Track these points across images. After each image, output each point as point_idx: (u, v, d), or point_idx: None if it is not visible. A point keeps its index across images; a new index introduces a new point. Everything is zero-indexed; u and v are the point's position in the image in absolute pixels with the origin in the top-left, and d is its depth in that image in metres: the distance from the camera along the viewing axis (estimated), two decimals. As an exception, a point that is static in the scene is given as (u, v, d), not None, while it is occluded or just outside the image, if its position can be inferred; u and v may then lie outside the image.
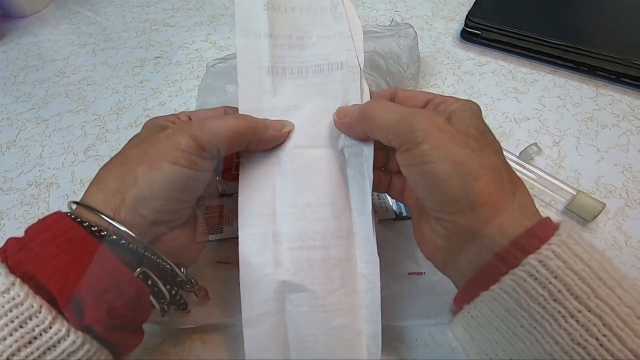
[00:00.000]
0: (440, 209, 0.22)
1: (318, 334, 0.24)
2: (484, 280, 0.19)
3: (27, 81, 0.51)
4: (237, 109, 0.27)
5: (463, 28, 0.51)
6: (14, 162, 0.42)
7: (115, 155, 0.24)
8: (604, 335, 0.16)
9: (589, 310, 0.17)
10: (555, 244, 0.18)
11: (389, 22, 0.47)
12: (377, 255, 0.25)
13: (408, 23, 0.44)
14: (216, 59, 0.43)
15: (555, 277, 0.17)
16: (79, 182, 0.40)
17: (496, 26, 0.47)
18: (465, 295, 0.21)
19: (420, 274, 0.31)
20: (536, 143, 0.38)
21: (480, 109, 0.24)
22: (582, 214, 0.34)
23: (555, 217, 0.20)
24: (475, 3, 0.51)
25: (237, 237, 0.27)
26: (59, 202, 0.39)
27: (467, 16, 0.49)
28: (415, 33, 0.42)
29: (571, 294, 0.17)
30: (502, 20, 0.48)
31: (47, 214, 0.37)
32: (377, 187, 0.28)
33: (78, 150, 0.43)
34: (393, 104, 0.24)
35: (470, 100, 0.25)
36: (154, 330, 0.29)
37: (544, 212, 0.35)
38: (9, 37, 0.58)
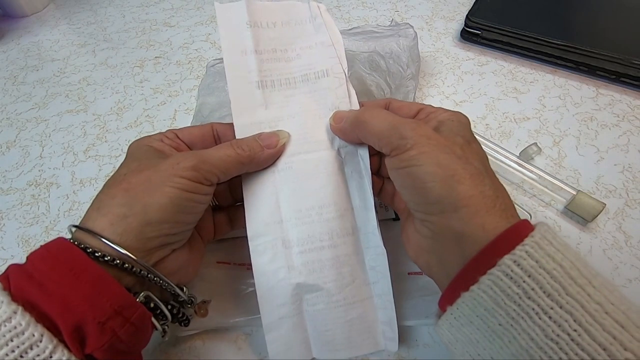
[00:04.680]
0: (424, 210, 0.23)
1: (336, 328, 0.26)
2: (465, 281, 0.20)
3: (27, 81, 0.51)
4: (224, 124, 0.29)
5: (463, 28, 0.51)
6: (14, 162, 0.42)
7: (114, 181, 0.24)
8: (575, 330, 0.17)
9: (561, 307, 0.18)
10: (528, 244, 0.19)
11: (389, 22, 0.47)
12: (383, 248, 0.26)
13: (408, 23, 0.44)
14: (216, 59, 0.43)
15: (529, 276, 0.18)
16: (79, 182, 0.40)
17: (496, 26, 0.47)
18: (448, 297, 0.21)
19: (420, 274, 0.31)
20: (536, 143, 0.38)
21: (468, 120, 0.26)
22: (582, 214, 0.34)
23: (533, 220, 0.21)
24: (475, 3, 0.51)
25: (237, 238, 0.27)
26: (59, 202, 0.39)
27: (467, 16, 0.49)
28: (415, 33, 0.42)
29: (544, 292, 0.18)
30: (502, 20, 0.48)
31: (47, 214, 0.38)
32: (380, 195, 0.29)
33: (78, 150, 0.43)
34: (385, 112, 0.25)
35: (459, 112, 0.26)
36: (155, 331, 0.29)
37: (544, 212, 0.35)
38: (9, 37, 0.58)
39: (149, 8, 0.61)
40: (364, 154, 0.27)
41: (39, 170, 0.41)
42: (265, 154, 0.26)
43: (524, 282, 0.18)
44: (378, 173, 0.30)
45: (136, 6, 0.62)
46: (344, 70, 0.29)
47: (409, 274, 0.31)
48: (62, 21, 0.60)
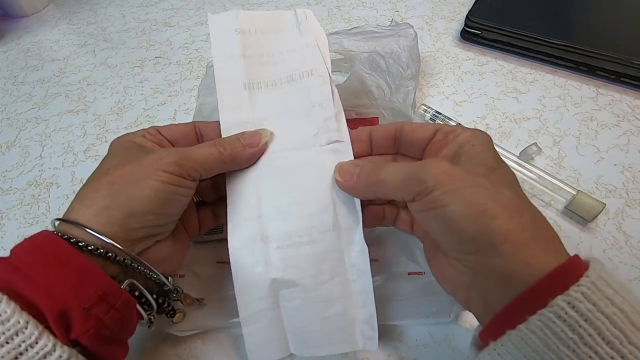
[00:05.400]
0: (459, 249, 0.22)
1: (313, 325, 0.26)
2: (511, 318, 0.19)
3: (27, 81, 0.51)
4: (207, 123, 0.29)
5: (463, 28, 0.51)
6: (14, 162, 0.42)
7: (97, 175, 0.25)
8: None
9: (622, 357, 0.16)
10: (584, 285, 0.17)
11: (389, 22, 0.47)
12: (364, 244, 0.26)
13: (408, 23, 0.44)
14: (216, 59, 0.42)
15: (586, 321, 0.17)
16: (79, 182, 0.40)
17: (496, 26, 0.47)
18: (491, 331, 0.20)
19: (420, 274, 0.31)
20: (536, 143, 0.38)
21: (489, 138, 0.24)
22: (582, 214, 0.34)
23: (584, 255, 0.20)
24: (475, 3, 0.51)
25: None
26: (59, 202, 0.39)
27: (467, 16, 0.49)
28: (415, 33, 0.42)
29: (602, 339, 0.17)
30: (502, 20, 0.48)
31: (47, 214, 0.38)
32: (383, 222, 0.28)
33: (78, 150, 0.43)
34: (396, 164, 0.24)
35: (478, 130, 0.24)
36: (154, 331, 0.29)
37: (544, 212, 0.35)
38: (9, 37, 0.58)
39: (149, 8, 0.61)
40: (347, 149, 0.28)
41: (39, 170, 0.41)
42: (246, 153, 0.27)
43: (579, 326, 0.17)
44: (391, 202, 0.29)
45: (136, 6, 0.62)
46: (327, 70, 0.30)
47: (409, 274, 0.31)
48: (62, 21, 0.60)
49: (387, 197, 0.24)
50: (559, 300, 0.17)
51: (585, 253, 0.33)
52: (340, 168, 0.26)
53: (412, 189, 0.22)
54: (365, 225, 0.26)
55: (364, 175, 0.25)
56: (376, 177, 0.24)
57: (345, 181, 0.26)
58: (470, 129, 0.25)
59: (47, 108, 0.47)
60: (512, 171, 0.23)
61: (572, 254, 0.20)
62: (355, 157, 0.28)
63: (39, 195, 0.39)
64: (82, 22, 0.59)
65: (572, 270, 0.18)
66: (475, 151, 0.23)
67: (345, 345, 0.27)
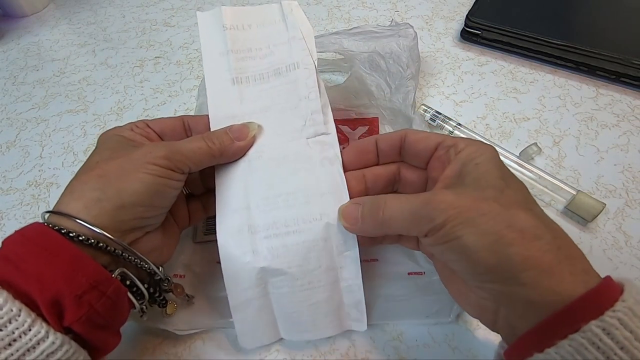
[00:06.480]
0: (479, 279, 0.21)
1: (301, 310, 0.27)
2: (538, 341, 0.18)
3: (27, 81, 0.51)
4: (194, 117, 0.30)
5: (463, 28, 0.50)
6: (14, 162, 0.42)
7: (86, 168, 0.25)
8: None
9: None
10: (620, 310, 0.16)
11: (389, 22, 0.47)
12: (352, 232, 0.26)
13: (408, 23, 0.44)
14: (216, 59, 0.42)
15: (622, 349, 0.16)
16: (79, 182, 0.40)
17: (496, 26, 0.47)
18: (516, 352, 0.20)
19: (420, 274, 0.31)
20: (536, 143, 0.38)
21: (495, 153, 0.23)
22: (582, 214, 0.34)
23: (617, 277, 0.18)
24: (475, 3, 0.51)
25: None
26: (59, 202, 0.39)
27: (467, 16, 0.49)
28: (415, 33, 0.42)
29: None
30: (502, 20, 0.48)
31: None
32: (384, 241, 0.28)
33: (78, 150, 0.43)
34: (398, 199, 0.23)
35: (483, 144, 0.23)
36: (155, 331, 0.29)
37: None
38: (9, 37, 0.58)
39: (149, 8, 0.61)
40: (333, 141, 0.28)
41: (39, 170, 0.41)
42: (235, 147, 0.27)
43: (615, 354, 0.16)
44: None
45: (136, 6, 0.61)
46: (313, 62, 0.30)
47: (409, 274, 0.31)
48: (62, 21, 0.60)
49: (396, 233, 0.24)
50: (593, 325, 0.16)
51: (585, 253, 0.33)
52: (343, 212, 0.25)
53: (423, 227, 0.21)
54: (362, 244, 0.27)
55: (367, 215, 0.24)
56: (381, 216, 0.23)
57: (351, 225, 0.25)
58: (473, 142, 0.23)
59: (47, 108, 0.47)
60: (523, 187, 0.22)
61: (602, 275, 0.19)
62: (360, 169, 0.28)
63: (39, 195, 0.39)
64: (82, 22, 0.59)
65: (606, 293, 0.17)
66: (480, 171, 0.22)
67: (332, 329, 0.27)
